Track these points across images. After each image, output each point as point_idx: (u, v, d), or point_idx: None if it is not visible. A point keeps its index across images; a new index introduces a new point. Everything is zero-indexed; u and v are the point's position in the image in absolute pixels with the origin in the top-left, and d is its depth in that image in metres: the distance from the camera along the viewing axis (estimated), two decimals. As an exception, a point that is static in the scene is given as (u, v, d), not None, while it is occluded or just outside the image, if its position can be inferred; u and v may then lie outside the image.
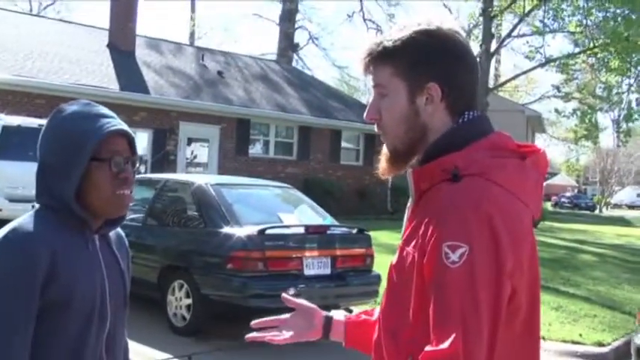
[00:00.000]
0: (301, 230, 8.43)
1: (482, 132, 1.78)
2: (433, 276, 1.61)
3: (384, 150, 1.87)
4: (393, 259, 1.82)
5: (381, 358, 1.81)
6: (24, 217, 2.08)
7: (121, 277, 2.23)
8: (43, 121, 10.79)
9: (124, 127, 2.11)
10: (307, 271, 8.15)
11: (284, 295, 2.24)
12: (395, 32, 1.82)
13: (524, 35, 29.58)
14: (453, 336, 1.54)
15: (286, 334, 2.17)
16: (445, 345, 1.54)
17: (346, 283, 8.51)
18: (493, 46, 27.34)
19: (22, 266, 1.93)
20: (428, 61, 1.77)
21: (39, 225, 2.03)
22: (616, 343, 9.02)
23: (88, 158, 2.02)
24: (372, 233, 9.42)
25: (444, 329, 1.56)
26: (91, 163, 2.04)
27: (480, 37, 26.42)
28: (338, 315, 2.21)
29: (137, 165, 2.16)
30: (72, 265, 2.02)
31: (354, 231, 9.15)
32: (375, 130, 1.87)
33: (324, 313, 2.20)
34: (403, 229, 1.85)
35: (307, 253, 8.21)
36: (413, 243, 1.72)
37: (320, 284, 8.25)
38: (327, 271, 8.35)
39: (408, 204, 1.89)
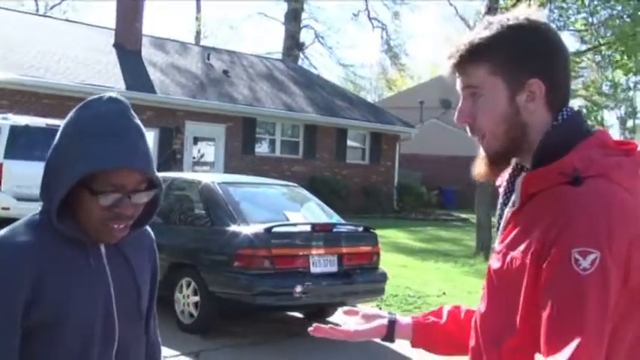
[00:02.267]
0: (308, 228, 8.47)
1: (587, 129, 1.72)
2: (556, 282, 1.54)
3: (481, 153, 1.78)
4: (493, 263, 1.74)
5: None
6: (17, 225, 1.92)
7: (135, 287, 2.05)
8: (51, 121, 10.85)
9: (134, 162, 1.87)
10: (314, 269, 8.19)
11: (346, 308, 2.21)
12: (482, 30, 1.72)
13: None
14: (575, 345, 1.46)
15: (349, 330, 2.09)
16: (565, 355, 1.46)
17: (353, 281, 8.54)
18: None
19: (1, 284, 1.81)
20: (526, 55, 1.69)
21: (29, 237, 1.88)
22: None
23: (74, 183, 1.82)
24: (378, 231, 9.45)
25: (564, 338, 1.48)
26: (82, 188, 1.85)
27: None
28: (402, 317, 2.15)
29: (152, 195, 1.96)
30: (64, 281, 1.88)
31: (360, 229, 9.19)
32: (469, 133, 1.78)
33: (388, 314, 2.14)
34: (500, 231, 1.78)
35: (314, 251, 8.25)
36: (522, 247, 1.63)
37: (326, 282, 8.29)
38: (334, 268, 8.39)
39: (499, 205, 1.82)
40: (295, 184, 10.90)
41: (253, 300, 7.87)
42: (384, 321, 2.09)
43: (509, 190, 1.80)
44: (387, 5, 45.87)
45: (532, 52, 1.69)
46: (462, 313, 2.06)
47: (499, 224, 1.81)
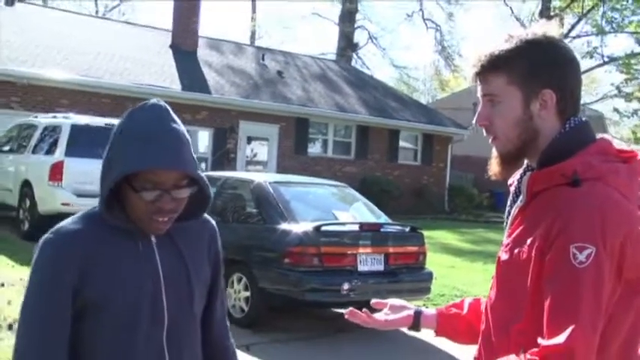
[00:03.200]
0: (355, 227, 8.67)
1: (591, 137, 1.89)
2: (556, 274, 1.73)
3: (495, 154, 2.00)
4: (502, 255, 1.94)
5: (491, 350, 1.93)
6: (75, 216, 2.12)
7: (185, 272, 2.16)
8: (110, 120, 11.32)
9: (165, 162, 2.00)
10: (361, 267, 8.39)
11: (374, 300, 2.38)
12: (502, 43, 1.91)
13: (582, 35, 29.28)
14: (570, 330, 1.65)
15: (380, 319, 2.31)
16: (561, 338, 1.66)
17: (399, 280, 8.72)
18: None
19: (53, 270, 1.99)
20: (542, 68, 1.87)
21: (81, 226, 2.07)
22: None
23: (115, 181, 2.00)
24: (428, 232, 9.59)
25: (562, 323, 1.67)
26: (125, 184, 2.02)
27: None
28: (426, 309, 2.37)
29: (191, 191, 2.09)
30: (111, 265, 2.04)
31: (407, 229, 9.34)
32: (484, 134, 1.98)
33: (414, 306, 2.34)
34: (508, 226, 1.97)
35: (361, 250, 8.45)
36: (528, 242, 1.82)
37: (373, 280, 8.49)
38: (381, 267, 8.58)
39: (509, 203, 2.01)
40: (344, 185, 11.10)
41: (302, 296, 8.10)
42: (411, 312, 2.31)
43: (519, 190, 2.00)
44: (441, 6, 45.65)
45: (546, 66, 1.88)
46: (481, 305, 2.22)
47: (507, 220, 2.01)
